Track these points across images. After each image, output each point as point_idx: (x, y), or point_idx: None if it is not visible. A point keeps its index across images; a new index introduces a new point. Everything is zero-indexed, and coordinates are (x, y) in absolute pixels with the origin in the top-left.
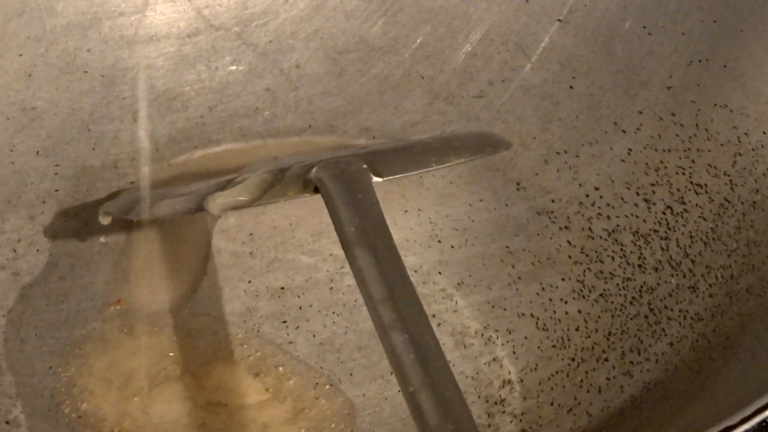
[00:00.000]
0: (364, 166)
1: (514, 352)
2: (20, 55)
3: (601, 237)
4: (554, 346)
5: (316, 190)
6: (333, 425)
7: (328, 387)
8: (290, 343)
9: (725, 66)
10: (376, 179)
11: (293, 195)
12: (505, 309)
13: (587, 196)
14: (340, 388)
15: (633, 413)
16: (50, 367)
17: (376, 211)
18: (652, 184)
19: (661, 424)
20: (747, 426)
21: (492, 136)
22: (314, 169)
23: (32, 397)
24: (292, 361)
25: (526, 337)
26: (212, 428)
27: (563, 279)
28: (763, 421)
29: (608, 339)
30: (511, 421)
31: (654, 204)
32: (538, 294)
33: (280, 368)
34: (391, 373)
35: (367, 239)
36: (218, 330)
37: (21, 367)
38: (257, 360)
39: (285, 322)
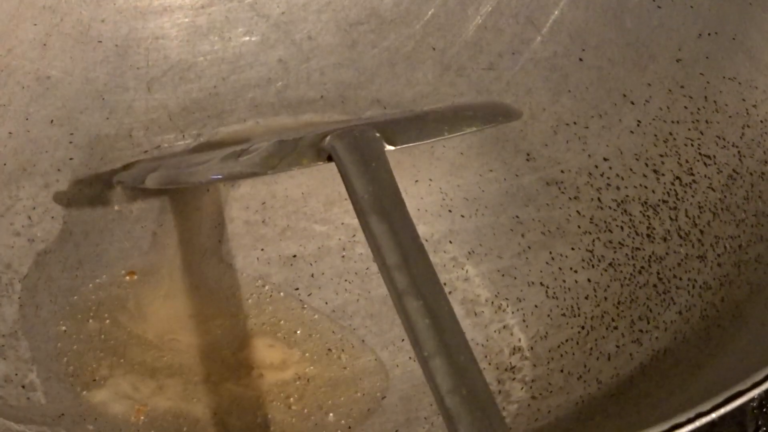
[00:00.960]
0: (377, 134)
1: (524, 320)
2: (35, 24)
3: (610, 207)
4: (564, 315)
5: (330, 159)
6: (346, 390)
7: (340, 353)
8: (303, 308)
9: (734, 39)
10: (389, 147)
11: (307, 164)
12: (515, 278)
13: (596, 167)
14: (352, 353)
15: (642, 380)
16: (65, 331)
17: (390, 179)
18: (661, 156)
19: (671, 391)
20: (758, 390)
21: (502, 105)
22: (328, 138)
23: (48, 362)
24: (304, 326)
25: (536, 306)
26: (225, 390)
27: (573, 248)
28: None
29: (617, 307)
30: (522, 388)
31: (663, 175)
32: (547, 263)
33: (295, 333)
34: (403, 339)
35: (380, 206)
36: (231, 296)
37: (37, 332)
38: (271, 326)
39: (297, 289)
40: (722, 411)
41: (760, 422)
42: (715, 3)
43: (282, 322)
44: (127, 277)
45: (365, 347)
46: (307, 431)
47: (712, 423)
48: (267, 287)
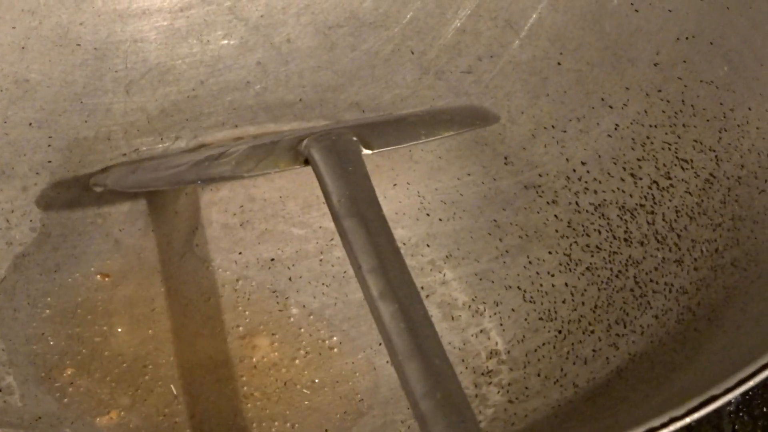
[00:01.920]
0: (354, 138)
1: (501, 324)
2: (13, 27)
3: (587, 211)
4: (541, 319)
5: (307, 162)
6: (323, 393)
7: (317, 356)
8: (280, 311)
9: (712, 43)
10: (366, 151)
11: (284, 167)
12: (492, 281)
13: (574, 170)
14: (330, 356)
15: (619, 384)
16: (43, 334)
17: (366, 182)
18: (639, 159)
19: (646, 394)
20: (731, 395)
21: (481, 109)
22: (305, 141)
23: (25, 365)
24: (282, 329)
25: (513, 310)
26: (203, 393)
27: (550, 252)
28: (747, 391)
29: (594, 312)
30: (498, 392)
31: (640, 179)
32: (525, 267)
33: (273, 336)
34: (380, 343)
35: (356, 210)
36: (209, 299)
37: (14, 335)
38: (249, 329)
39: (275, 292)
40: (696, 415)
41: (736, 426)
42: (693, 7)
43: (260, 325)
44: (99, 278)
45: (343, 351)
46: None
47: (688, 427)
48: (245, 290)
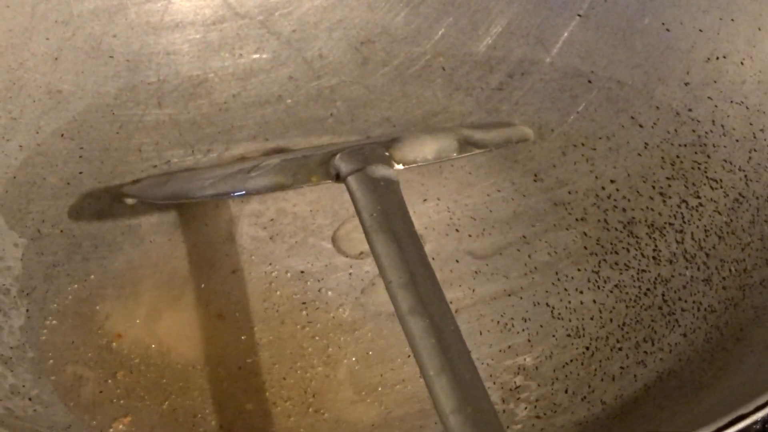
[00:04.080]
0: (387, 153)
1: (529, 340)
2: (47, 38)
3: (616, 229)
4: (569, 335)
5: (339, 178)
6: (351, 405)
7: (346, 368)
8: (309, 323)
9: (742, 63)
10: (398, 167)
11: (316, 181)
12: (521, 298)
13: (603, 188)
14: (356, 369)
15: (646, 402)
16: (72, 343)
17: (398, 198)
18: (668, 178)
19: (674, 413)
20: (761, 414)
21: (512, 126)
22: (337, 156)
23: (55, 374)
24: (310, 341)
25: (541, 326)
26: (232, 403)
27: (579, 269)
28: None
29: (622, 329)
30: (526, 408)
31: (669, 197)
32: (553, 284)
33: (301, 347)
34: (409, 356)
35: (388, 225)
36: (238, 310)
37: (44, 345)
38: (277, 340)
39: (304, 303)
40: None
41: None
42: (724, 28)
43: (289, 337)
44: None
45: (371, 363)
46: None
47: None
48: (274, 302)
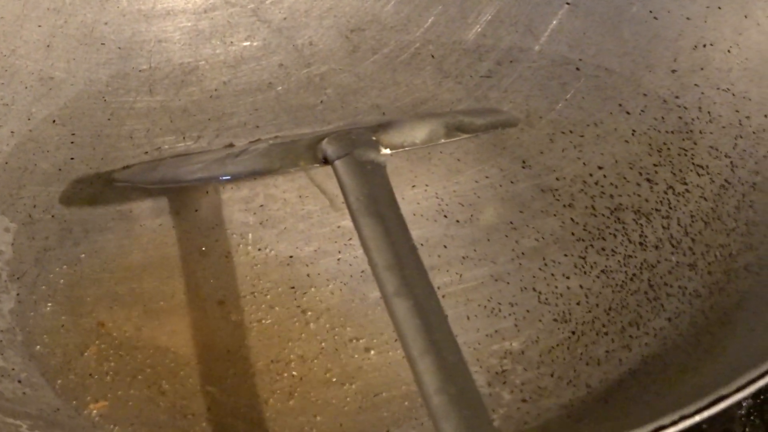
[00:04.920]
0: (374, 138)
1: (516, 325)
2: (39, 26)
3: (603, 215)
4: (555, 320)
5: (326, 161)
6: (339, 388)
7: (333, 351)
8: (297, 307)
9: (729, 51)
10: (385, 151)
11: (303, 165)
12: (508, 283)
13: (591, 175)
14: (344, 352)
15: (631, 385)
16: (62, 326)
17: (384, 181)
18: (655, 165)
19: (658, 394)
20: (741, 395)
21: (501, 112)
22: (324, 140)
23: (45, 357)
24: (299, 326)
25: (528, 311)
26: (220, 387)
27: (566, 255)
28: (759, 394)
29: (608, 314)
30: (512, 392)
31: (656, 184)
32: (540, 269)
33: (289, 331)
34: (396, 339)
35: (374, 208)
36: (227, 296)
37: (34, 328)
38: (265, 324)
39: (293, 288)
40: (706, 414)
41: (747, 429)
42: (712, 15)
43: (278, 321)
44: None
45: (359, 347)
46: (299, 427)
47: (700, 430)
48: (264, 286)
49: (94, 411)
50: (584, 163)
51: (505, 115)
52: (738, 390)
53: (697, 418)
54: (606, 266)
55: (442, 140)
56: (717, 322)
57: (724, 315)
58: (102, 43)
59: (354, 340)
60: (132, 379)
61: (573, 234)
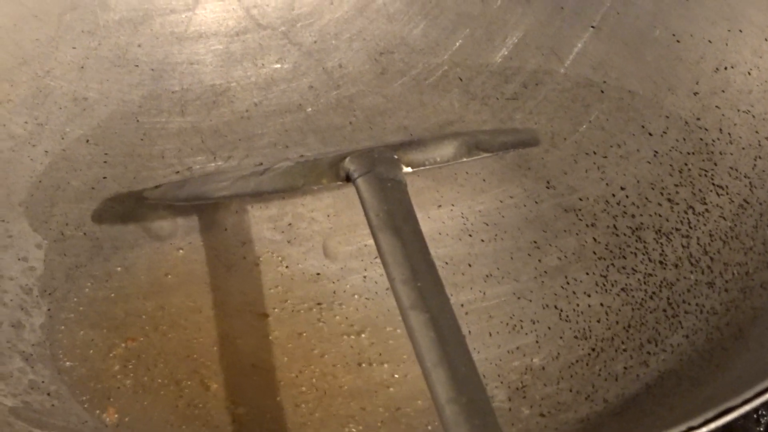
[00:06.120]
0: (395, 156)
1: (537, 342)
2: (74, 47)
3: (625, 234)
4: (576, 337)
5: (348, 179)
6: (361, 402)
7: (357, 366)
8: (323, 323)
9: (749, 73)
10: (407, 169)
11: (326, 183)
12: (530, 300)
13: (613, 195)
14: (367, 367)
15: (646, 399)
16: (92, 340)
17: (404, 198)
18: (676, 185)
19: (671, 407)
20: (749, 407)
21: (521, 131)
22: (347, 158)
23: (74, 371)
24: (324, 341)
25: (549, 328)
26: (245, 400)
27: (587, 273)
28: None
29: (627, 331)
30: (531, 406)
31: (677, 204)
32: (562, 287)
33: (314, 347)
34: None
35: (392, 223)
36: (254, 311)
37: (65, 343)
38: (290, 340)
39: (320, 304)
40: (713, 425)
41: None
42: (732, 38)
43: (303, 336)
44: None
45: (382, 362)
46: None
47: None
48: (290, 303)
49: (110, 420)
50: (607, 184)
51: (527, 134)
52: (745, 402)
53: (704, 430)
54: (626, 284)
55: (464, 159)
56: (731, 337)
57: (738, 331)
58: (135, 65)
59: (378, 355)
60: (157, 392)
61: (595, 253)
